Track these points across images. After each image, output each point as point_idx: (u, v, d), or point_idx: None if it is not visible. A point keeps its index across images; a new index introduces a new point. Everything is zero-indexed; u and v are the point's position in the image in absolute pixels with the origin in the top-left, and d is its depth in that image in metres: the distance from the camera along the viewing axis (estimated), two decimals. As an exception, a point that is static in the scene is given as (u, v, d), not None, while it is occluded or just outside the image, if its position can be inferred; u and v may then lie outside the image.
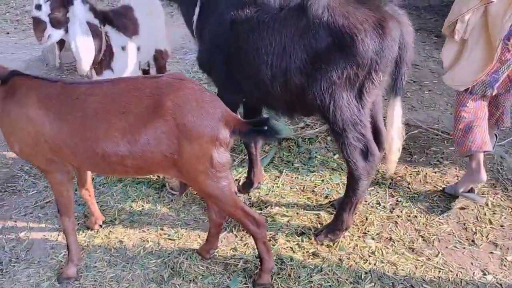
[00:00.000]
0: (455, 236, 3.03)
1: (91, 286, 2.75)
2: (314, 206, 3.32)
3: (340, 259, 2.87)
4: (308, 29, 2.54)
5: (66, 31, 3.27)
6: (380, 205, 3.31)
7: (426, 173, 3.63)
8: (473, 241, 2.99)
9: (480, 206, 3.25)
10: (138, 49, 3.70)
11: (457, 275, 2.74)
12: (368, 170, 2.76)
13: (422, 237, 3.03)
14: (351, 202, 2.86)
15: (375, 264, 2.83)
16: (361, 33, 2.44)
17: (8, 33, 7.64)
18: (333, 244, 2.96)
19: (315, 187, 3.52)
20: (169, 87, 2.34)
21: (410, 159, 3.82)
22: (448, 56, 3.14)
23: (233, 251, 2.96)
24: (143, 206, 3.39)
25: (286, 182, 3.59)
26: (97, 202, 3.38)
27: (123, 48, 3.57)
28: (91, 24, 3.30)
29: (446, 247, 2.95)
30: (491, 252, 2.91)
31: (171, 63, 5.70)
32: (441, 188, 3.44)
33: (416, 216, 3.20)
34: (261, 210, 3.28)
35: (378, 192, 3.43)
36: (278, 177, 3.64)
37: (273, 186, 3.53)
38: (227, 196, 2.47)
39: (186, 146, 2.30)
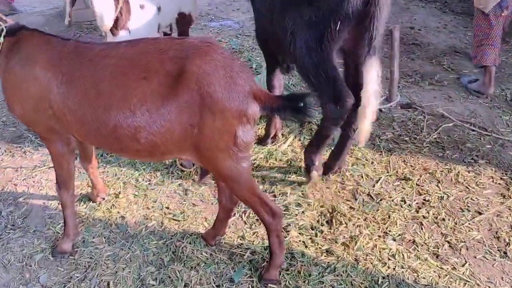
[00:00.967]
0: (485, 245, 2.74)
1: (86, 263, 2.58)
2: (332, 197, 3.06)
3: (356, 260, 2.62)
4: None
5: None
6: (405, 202, 3.03)
7: (459, 172, 3.31)
8: (505, 252, 2.70)
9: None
10: (159, 9, 3.41)
11: (484, 290, 2.48)
12: (335, 114, 2.74)
13: (448, 243, 2.75)
14: (315, 140, 3.03)
15: (394, 269, 2.57)
16: None
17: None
18: (350, 242, 2.71)
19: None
20: (196, 51, 2.07)
21: (442, 154, 3.50)
22: None
23: (240, 239, 2.74)
24: (150, 180, 3.19)
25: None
26: (103, 172, 3.21)
27: (141, 7, 3.29)
28: None
29: (475, 257, 2.67)
30: (525, 267, 2.62)
31: (194, 29, 5.39)
32: (473, 191, 3.13)
33: (443, 219, 2.91)
34: (275, 197, 3.04)
35: (404, 188, 3.14)
36: (293, 161, 3.39)
37: (290, 172, 3.28)
38: (245, 181, 2.23)
39: (209, 119, 2.04)
